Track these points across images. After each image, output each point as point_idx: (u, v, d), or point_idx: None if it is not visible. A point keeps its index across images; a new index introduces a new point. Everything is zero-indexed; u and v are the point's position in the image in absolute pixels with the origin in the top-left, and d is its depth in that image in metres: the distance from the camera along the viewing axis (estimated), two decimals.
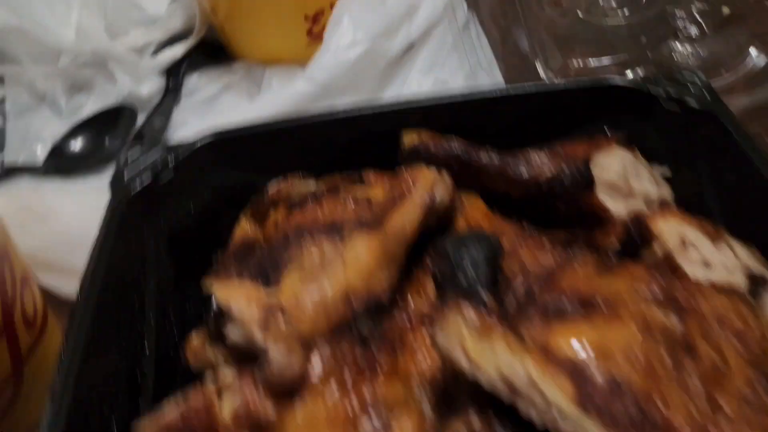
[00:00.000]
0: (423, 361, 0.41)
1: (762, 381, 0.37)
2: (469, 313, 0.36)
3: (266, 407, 0.36)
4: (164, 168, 0.50)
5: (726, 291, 0.41)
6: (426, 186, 0.48)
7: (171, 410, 0.36)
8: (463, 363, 0.35)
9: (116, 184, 0.49)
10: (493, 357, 0.35)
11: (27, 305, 0.53)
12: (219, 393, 0.37)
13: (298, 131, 0.54)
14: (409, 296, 0.45)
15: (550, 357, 0.35)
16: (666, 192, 0.52)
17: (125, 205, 0.48)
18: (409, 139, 0.53)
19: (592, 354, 0.35)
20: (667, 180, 0.53)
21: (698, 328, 0.38)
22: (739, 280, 0.44)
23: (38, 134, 0.71)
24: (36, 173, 0.66)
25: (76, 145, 0.68)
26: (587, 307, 0.38)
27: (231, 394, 0.37)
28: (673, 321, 0.38)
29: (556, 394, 0.33)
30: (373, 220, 0.45)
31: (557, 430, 0.34)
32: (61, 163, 0.67)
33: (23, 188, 0.64)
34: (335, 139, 0.54)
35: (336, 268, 0.42)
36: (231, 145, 0.52)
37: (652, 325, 0.37)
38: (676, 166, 0.52)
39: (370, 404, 0.38)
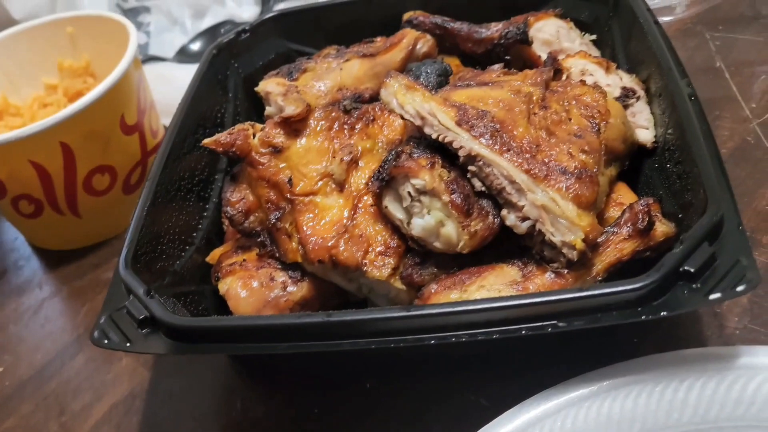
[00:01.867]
0: (386, 130, 0.62)
1: (591, 127, 0.56)
2: (403, 79, 0.58)
3: (280, 135, 0.60)
4: (242, 32, 0.76)
5: (590, 86, 0.60)
6: (410, 39, 0.71)
7: (223, 134, 0.60)
8: (394, 105, 0.57)
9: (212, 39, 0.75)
10: (412, 101, 0.56)
11: (153, 120, 0.80)
12: (253, 129, 0.61)
13: (333, 12, 0.77)
14: None
15: (447, 102, 0.56)
16: (592, 49, 0.71)
17: (216, 49, 0.74)
18: (407, 15, 0.75)
19: (473, 101, 0.56)
20: (593, 42, 0.71)
21: (557, 98, 0.58)
22: (615, 91, 0.63)
23: (171, 42, 1.00)
24: (168, 61, 0.95)
25: (196, 46, 0.97)
26: (483, 83, 0.59)
27: (260, 130, 0.60)
28: (539, 92, 0.58)
29: (444, 118, 0.54)
30: (369, 54, 0.68)
31: (449, 144, 0.54)
32: (184, 58, 0.96)
33: (159, 67, 0.94)
34: (359, 19, 0.77)
35: (335, 73, 0.65)
36: (288, 19, 0.77)
37: (522, 91, 0.57)
38: (600, 32, 0.71)
39: (347, 145, 0.61)
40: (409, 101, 0.56)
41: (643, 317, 0.45)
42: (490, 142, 0.53)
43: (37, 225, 0.75)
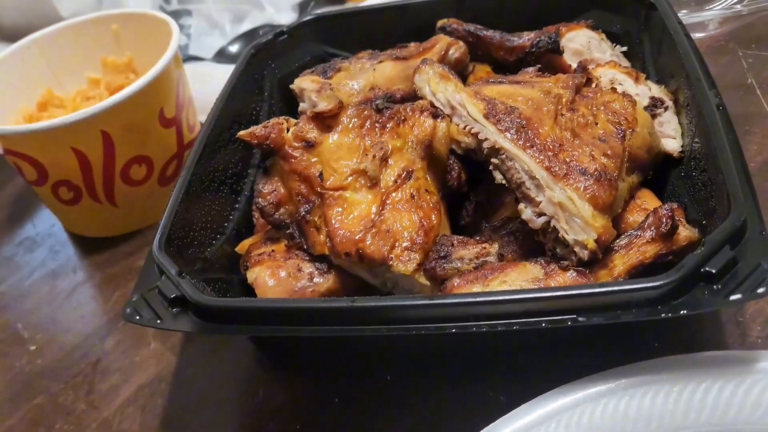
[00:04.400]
0: (416, 130, 0.64)
1: (616, 134, 0.57)
2: (438, 68, 0.59)
3: (313, 130, 0.62)
4: (280, 33, 0.78)
5: (621, 94, 0.61)
6: (443, 45, 0.72)
7: (258, 127, 0.62)
8: (426, 92, 0.58)
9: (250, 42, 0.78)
10: (444, 90, 0.58)
11: (190, 115, 0.82)
12: (287, 124, 0.63)
13: (369, 18, 0.80)
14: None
15: (478, 95, 0.57)
16: (622, 60, 0.72)
17: (254, 49, 0.76)
18: (441, 22, 0.77)
19: (503, 96, 0.57)
20: (623, 53, 0.73)
21: (586, 103, 0.59)
22: (643, 101, 0.64)
23: (211, 44, 1.03)
24: (207, 61, 0.99)
25: (234, 48, 1.00)
26: (515, 81, 0.60)
27: (294, 125, 0.62)
28: (568, 95, 0.59)
29: (473, 110, 0.56)
30: (402, 57, 0.70)
31: (475, 135, 0.56)
32: (222, 59, 0.99)
33: (198, 66, 0.97)
34: (394, 25, 0.79)
35: (368, 73, 0.67)
36: (325, 23, 0.79)
37: (552, 92, 0.58)
38: (630, 44, 0.72)
39: (379, 143, 0.62)
40: (442, 90, 0.58)
41: (663, 315, 0.45)
42: (515, 136, 0.55)
43: (75, 211, 0.78)
